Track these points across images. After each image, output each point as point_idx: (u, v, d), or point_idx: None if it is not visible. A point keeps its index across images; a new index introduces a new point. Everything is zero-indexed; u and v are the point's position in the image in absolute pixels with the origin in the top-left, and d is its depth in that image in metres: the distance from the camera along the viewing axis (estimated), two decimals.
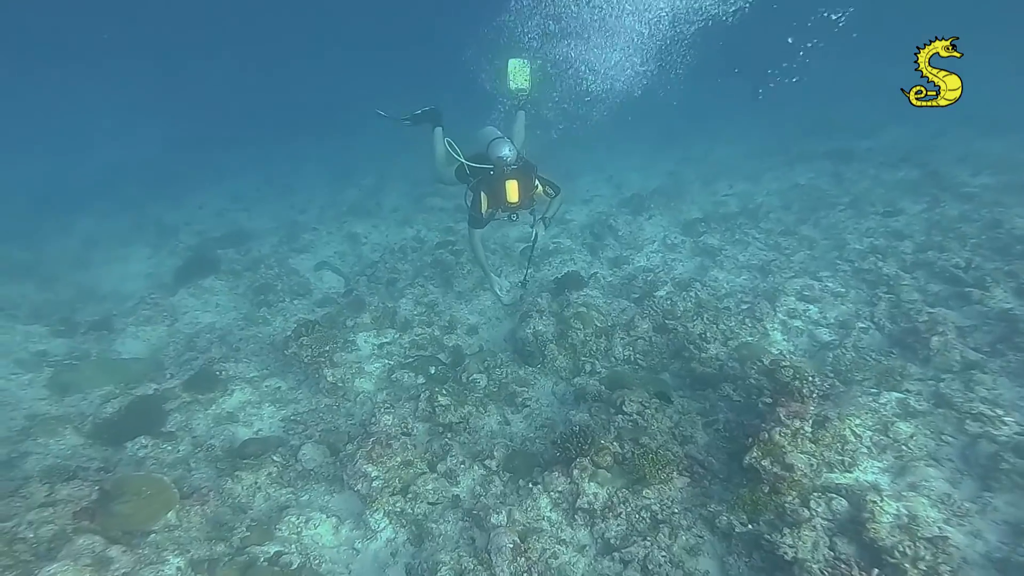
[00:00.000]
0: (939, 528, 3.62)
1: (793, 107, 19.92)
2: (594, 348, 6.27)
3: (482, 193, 5.69)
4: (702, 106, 19.51)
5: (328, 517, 4.12)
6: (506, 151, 5.42)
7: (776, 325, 6.47)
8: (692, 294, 7.08)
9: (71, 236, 12.04)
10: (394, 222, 12.17)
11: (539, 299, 6.98)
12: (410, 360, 6.39)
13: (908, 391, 5.08)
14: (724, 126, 18.68)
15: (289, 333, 6.08)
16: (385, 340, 6.93)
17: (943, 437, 4.52)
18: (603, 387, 5.50)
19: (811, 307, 6.75)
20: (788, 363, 4.72)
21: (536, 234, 6.39)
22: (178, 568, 3.75)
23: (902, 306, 6.30)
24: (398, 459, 4.46)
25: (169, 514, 4.12)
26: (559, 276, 7.94)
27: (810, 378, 4.32)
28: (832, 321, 6.50)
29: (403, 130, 7.15)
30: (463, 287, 8.28)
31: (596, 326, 6.44)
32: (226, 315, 7.86)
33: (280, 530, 3.98)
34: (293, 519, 4.04)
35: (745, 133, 17.81)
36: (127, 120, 26.57)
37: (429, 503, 4.28)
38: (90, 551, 3.66)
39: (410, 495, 4.26)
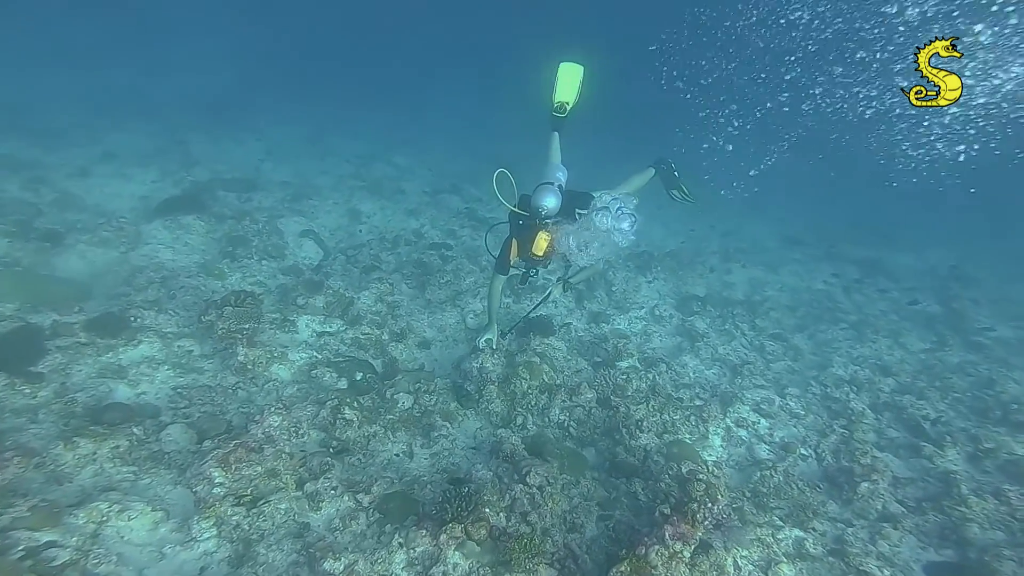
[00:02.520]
0: None
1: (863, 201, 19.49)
2: (533, 402, 5.93)
3: (514, 240, 5.29)
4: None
5: (154, 511, 3.67)
6: (548, 202, 4.90)
7: (719, 430, 6.08)
8: (651, 375, 6.68)
9: (95, 146, 11.64)
10: (403, 209, 11.91)
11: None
12: (339, 360, 6.08)
13: (813, 530, 4.84)
14: (777, 201, 17.88)
15: (218, 298, 5.73)
16: (328, 330, 6.62)
17: None
18: (522, 447, 5.13)
19: (762, 421, 6.36)
20: (704, 477, 4.37)
21: (550, 292, 5.91)
22: None
23: (851, 443, 5.98)
24: (262, 468, 4.12)
25: None
26: (532, 316, 7.61)
27: (709, 504, 3.94)
28: (776, 440, 6.16)
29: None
30: (435, 296, 7.96)
31: (543, 380, 6.10)
32: (187, 258, 7.51)
33: (76, 516, 3.42)
34: (104, 505, 3.53)
35: (793, 215, 17.14)
36: (211, 48, 26.63)
37: None
38: None
39: (255, 511, 3.88)
